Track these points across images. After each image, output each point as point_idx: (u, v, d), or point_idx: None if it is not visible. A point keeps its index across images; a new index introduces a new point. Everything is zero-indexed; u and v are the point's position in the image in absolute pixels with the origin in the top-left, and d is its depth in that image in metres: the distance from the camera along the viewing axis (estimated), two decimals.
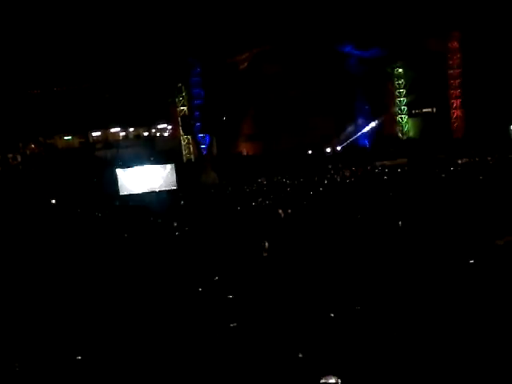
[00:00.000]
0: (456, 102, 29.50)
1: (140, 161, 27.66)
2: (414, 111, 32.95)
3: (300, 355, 4.76)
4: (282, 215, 13.48)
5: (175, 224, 13.22)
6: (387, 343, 4.88)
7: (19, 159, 27.07)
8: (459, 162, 23.64)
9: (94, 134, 30.06)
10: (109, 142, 30.17)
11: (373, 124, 32.13)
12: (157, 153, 29.58)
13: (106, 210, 17.91)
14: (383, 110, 32.45)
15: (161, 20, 22.75)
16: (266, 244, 6.30)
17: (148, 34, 23.13)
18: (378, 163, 27.60)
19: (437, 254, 7.32)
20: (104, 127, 29.91)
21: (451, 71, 29.08)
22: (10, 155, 26.79)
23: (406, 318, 5.34)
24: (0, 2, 20.75)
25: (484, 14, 23.45)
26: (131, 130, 31.30)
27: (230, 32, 24.48)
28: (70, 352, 5.52)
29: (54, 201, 21.01)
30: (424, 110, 32.41)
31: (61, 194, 21.21)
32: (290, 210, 13.62)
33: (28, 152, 27.84)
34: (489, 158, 22.90)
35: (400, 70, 31.91)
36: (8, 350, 5.73)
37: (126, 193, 25.30)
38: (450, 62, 28.97)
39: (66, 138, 29.54)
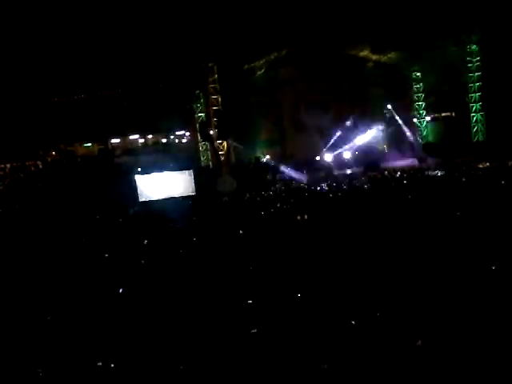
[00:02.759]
0: (476, 106, 29.16)
1: (158, 167, 27.87)
2: (433, 115, 32.74)
3: (324, 366, 4.73)
4: (300, 220, 13.46)
5: (194, 230, 13.27)
6: (410, 352, 4.81)
7: (40, 166, 27.48)
8: (480, 166, 23.31)
9: (114, 140, 30.42)
10: (128, 149, 30.51)
11: (391, 128, 31.89)
12: (175, 159, 29.79)
13: (126, 217, 18.05)
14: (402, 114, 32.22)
15: (178, 26, 22.90)
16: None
17: (166, 41, 23.31)
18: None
19: (459, 259, 7.21)
20: (123, 134, 30.28)
21: (471, 74, 28.78)
22: (32, 162, 27.21)
23: (429, 327, 5.26)
24: (22, 12, 21.08)
25: (503, 16, 23.15)
26: (150, 136, 31.63)
27: (248, 37, 24.58)
28: (91, 358, 5.56)
29: (73, 207, 21.21)
30: (443, 114, 32.15)
31: (80, 200, 21.43)
32: (306, 216, 13.58)
33: (49, 159, 28.25)
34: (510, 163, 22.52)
35: (418, 74, 31.71)
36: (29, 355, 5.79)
37: (144, 199, 25.48)
38: (470, 65, 28.66)
39: (85, 145, 29.96)
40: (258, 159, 30.12)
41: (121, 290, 7.97)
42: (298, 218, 13.79)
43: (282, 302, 6.52)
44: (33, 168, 27.32)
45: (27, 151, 26.99)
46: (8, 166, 26.64)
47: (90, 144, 30.05)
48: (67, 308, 7.24)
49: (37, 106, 25.53)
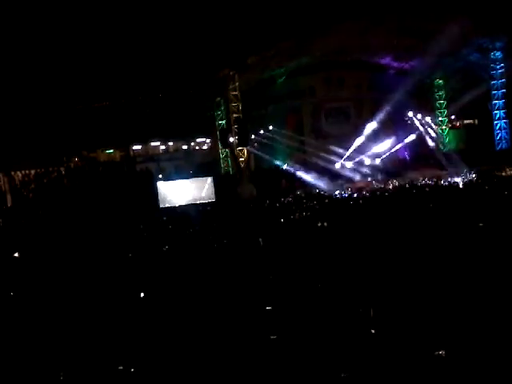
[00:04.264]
0: (499, 113, 28.77)
1: (179, 174, 28.12)
2: (455, 123, 32.42)
3: (343, 375, 4.70)
4: (320, 227, 13.42)
5: (214, 236, 13.32)
6: (428, 361, 4.76)
7: (63, 172, 27.90)
8: (503, 173, 23.00)
9: (135, 147, 30.76)
10: (149, 156, 30.82)
11: (413, 136, 31.66)
12: (196, 166, 30.02)
13: (147, 223, 18.21)
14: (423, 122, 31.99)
15: (200, 34, 23.12)
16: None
17: (188, 49, 23.54)
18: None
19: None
20: (144, 141, 30.60)
21: (494, 82, 28.42)
22: (55, 168, 27.64)
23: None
24: (49, 21, 21.54)
25: None
26: (171, 143, 31.91)
27: (268, 44, 24.74)
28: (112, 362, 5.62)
29: (96, 213, 21.50)
30: (466, 122, 31.80)
31: (102, 207, 21.69)
32: (326, 223, 13.53)
33: (72, 165, 28.68)
34: None
35: (440, 81, 31.44)
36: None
37: (166, 205, 25.71)
38: (493, 73, 28.31)
39: (107, 151, 30.34)
40: (277, 166, 30.18)
41: (142, 295, 8.04)
42: (319, 224, 13.76)
43: (301, 308, 6.51)
44: (56, 174, 27.74)
45: (51, 158, 27.43)
46: (32, 172, 27.10)
47: (112, 150, 30.43)
48: (88, 311, 7.33)
49: (60, 113, 25.97)
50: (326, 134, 31.83)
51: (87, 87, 25.48)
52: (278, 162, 30.80)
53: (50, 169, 27.59)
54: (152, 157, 30.72)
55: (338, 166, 30.95)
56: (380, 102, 30.81)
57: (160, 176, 27.92)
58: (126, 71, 24.69)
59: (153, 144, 31.21)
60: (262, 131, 30.93)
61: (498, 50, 27.81)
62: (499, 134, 28.88)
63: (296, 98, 31.59)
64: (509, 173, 22.96)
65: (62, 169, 28.13)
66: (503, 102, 28.52)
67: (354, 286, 7.07)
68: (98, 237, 15.04)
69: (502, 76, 28.16)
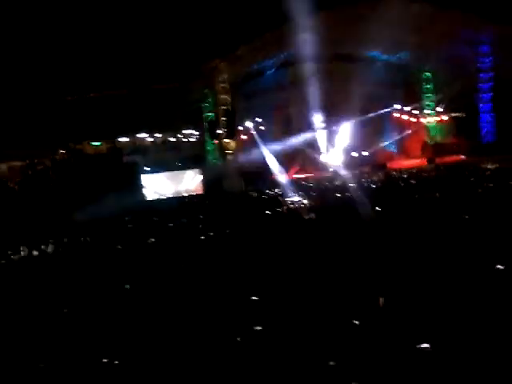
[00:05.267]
0: (486, 107, 28.91)
1: (167, 166, 27.93)
2: (442, 116, 32.51)
3: (331, 363, 4.69)
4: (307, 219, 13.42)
5: (200, 228, 13.27)
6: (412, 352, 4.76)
7: (49, 164, 27.58)
8: (488, 166, 23.14)
9: (122, 139, 30.47)
10: (136, 148, 30.56)
11: (400, 128, 31.81)
12: (183, 158, 29.82)
13: (133, 215, 18.09)
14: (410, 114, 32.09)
15: (187, 25, 22.95)
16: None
17: (175, 40, 23.35)
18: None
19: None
20: (131, 133, 30.32)
21: (481, 75, 28.51)
22: (41, 160, 27.31)
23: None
24: (34, 13, 21.24)
25: None
26: (158, 135, 31.66)
27: (257, 35, 24.63)
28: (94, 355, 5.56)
29: (81, 205, 21.32)
30: (453, 115, 31.91)
31: (88, 199, 21.51)
32: (313, 215, 13.53)
33: (58, 157, 28.35)
34: None
35: (428, 74, 31.50)
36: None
37: (152, 198, 25.56)
38: (481, 66, 28.40)
39: (94, 143, 30.03)
40: (264, 159, 30.08)
41: (127, 286, 8.00)
42: (305, 217, 13.76)
43: (286, 299, 6.50)
44: (42, 166, 27.43)
45: (36, 150, 27.12)
46: (18, 164, 26.77)
47: (98, 142, 30.12)
48: (71, 304, 7.26)
49: (46, 104, 25.66)
50: (314, 127, 31.76)
51: (74, 79, 25.21)
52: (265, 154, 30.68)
53: (36, 161, 27.28)
54: (139, 149, 30.46)
55: (324, 158, 31.00)
56: (368, 94, 30.82)
57: (147, 168, 27.73)
58: (113, 62, 24.46)
59: (140, 136, 30.94)
60: (249, 123, 30.79)
61: (485, 44, 27.89)
62: (485, 128, 29.04)
63: (285, 90, 31.46)
64: (492, 166, 23.12)
65: (47, 161, 27.81)
66: (490, 96, 28.64)
67: (340, 277, 7.07)
68: (84, 229, 14.92)
69: (489, 69, 28.25)
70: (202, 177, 26.55)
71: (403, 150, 33.03)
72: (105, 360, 5.47)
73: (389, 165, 28.72)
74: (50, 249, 12.14)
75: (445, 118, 31.84)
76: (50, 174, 26.62)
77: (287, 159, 30.44)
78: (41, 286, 8.40)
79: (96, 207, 19.59)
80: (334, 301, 6.22)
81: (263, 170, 28.03)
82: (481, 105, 28.93)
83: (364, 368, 4.64)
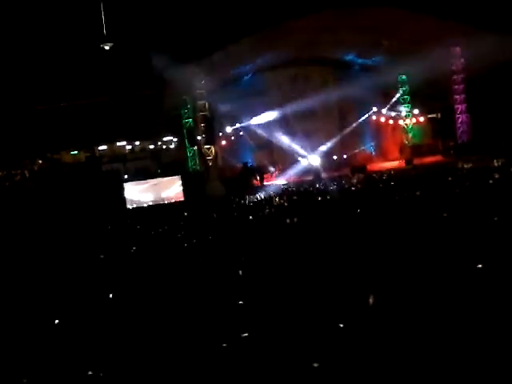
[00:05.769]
0: (461, 107, 29.44)
1: (146, 174, 27.82)
2: (419, 117, 33.01)
3: (315, 364, 4.72)
4: (289, 223, 13.47)
5: (182, 235, 13.24)
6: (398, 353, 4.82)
7: (27, 175, 27.25)
8: (464, 166, 23.60)
9: (101, 147, 30.24)
10: (115, 156, 30.36)
11: (378, 131, 32.21)
12: (163, 165, 29.73)
13: (113, 224, 17.95)
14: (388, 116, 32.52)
15: (165, 32, 22.92)
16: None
17: (153, 47, 23.28)
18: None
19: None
20: (110, 141, 30.11)
21: (455, 76, 29.05)
22: (18, 171, 26.98)
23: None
24: (11, 17, 20.99)
25: (486, 19, 23.42)
26: (137, 143, 31.50)
27: (234, 42, 24.70)
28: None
29: (61, 215, 21.09)
30: (429, 116, 32.42)
31: (68, 209, 21.28)
32: (295, 219, 13.59)
33: (36, 167, 28.02)
34: (495, 164, 22.82)
35: (403, 77, 31.95)
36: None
37: (133, 206, 25.40)
38: (454, 68, 28.92)
39: (72, 152, 29.74)
40: (245, 164, 30.16)
41: (111, 295, 7.93)
42: (288, 221, 13.81)
43: (273, 303, 6.52)
44: (19, 177, 27.08)
45: (13, 160, 26.77)
46: None
47: (76, 152, 29.84)
48: (57, 314, 7.18)
49: (22, 113, 25.36)
50: (293, 130, 31.96)
51: (51, 87, 24.94)
52: (246, 160, 30.80)
53: (13, 171, 26.93)
54: (118, 157, 30.27)
55: (304, 162, 31.18)
56: (346, 97, 31.17)
57: (127, 176, 27.56)
58: (89, 70, 24.27)
59: (119, 144, 30.74)
60: (229, 129, 30.88)
61: (457, 46, 28.40)
62: (460, 128, 29.56)
63: (263, 95, 31.59)
64: (467, 166, 23.59)
65: (25, 171, 27.47)
66: (464, 97, 29.17)
67: (323, 280, 7.13)
68: (64, 239, 14.75)
69: (462, 71, 28.76)
70: (182, 183, 26.48)
71: (382, 152, 33.42)
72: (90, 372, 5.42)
73: (368, 167, 29.02)
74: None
75: (421, 119, 32.32)
76: (28, 184, 26.28)
77: (268, 163, 30.66)
78: (18, 297, 8.29)
79: (76, 217, 19.41)
80: (318, 301, 6.27)
81: (244, 174, 28.13)
82: (456, 106, 29.44)
83: (350, 370, 4.69)
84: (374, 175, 26.14)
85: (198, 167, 29.87)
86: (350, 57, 30.90)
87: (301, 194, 21.66)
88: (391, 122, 32.67)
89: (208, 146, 28.35)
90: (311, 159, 31.16)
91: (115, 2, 21.79)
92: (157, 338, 5.97)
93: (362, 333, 5.33)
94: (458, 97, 29.32)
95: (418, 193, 15.35)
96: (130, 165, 29.77)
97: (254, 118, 31.30)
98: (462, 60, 28.50)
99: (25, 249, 13.60)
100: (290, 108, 31.41)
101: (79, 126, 26.56)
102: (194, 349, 5.57)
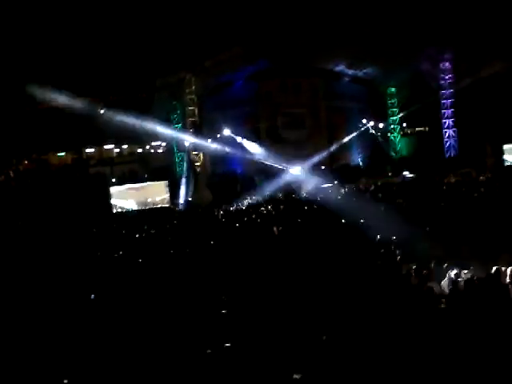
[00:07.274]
0: (448, 122, 29.76)
1: (134, 178, 27.64)
2: (406, 130, 33.33)
3: (296, 376, 4.71)
4: (276, 232, 13.48)
5: (169, 242, 13.16)
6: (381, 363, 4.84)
7: (12, 175, 26.93)
8: (451, 180, 23.84)
9: (88, 150, 29.99)
10: (103, 159, 30.12)
11: (367, 143, 32.36)
12: (151, 170, 29.56)
13: (99, 228, 17.81)
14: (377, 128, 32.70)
15: (156, 37, 22.88)
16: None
17: (144, 52, 23.24)
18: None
19: None
20: (98, 144, 29.87)
21: (443, 91, 29.37)
22: (4, 171, 26.64)
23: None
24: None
25: (476, 34, 23.74)
26: (125, 146, 31.29)
27: (224, 48, 24.76)
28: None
29: (46, 217, 20.86)
30: (417, 129, 32.72)
31: (53, 211, 21.06)
32: (280, 228, 13.60)
33: (21, 168, 27.71)
34: (481, 177, 23.13)
35: (393, 89, 32.24)
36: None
37: (119, 210, 25.21)
38: (442, 82, 29.25)
39: (59, 154, 29.45)
40: (233, 171, 30.12)
41: (92, 296, 7.87)
42: (274, 229, 13.83)
43: (255, 313, 6.50)
44: (4, 178, 26.75)
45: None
46: None
47: (63, 153, 29.56)
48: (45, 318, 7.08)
49: (9, 114, 25.09)
50: (282, 140, 32.00)
51: (39, 88, 24.70)
52: (234, 167, 30.73)
53: None
54: (105, 160, 30.03)
55: (292, 171, 31.10)
56: (335, 108, 31.30)
57: (113, 180, 27.37)
58: (78, 72, 24.12)
59: (106, 147, 30.51)
60: (218, 135, 30.80)
61: (446, 61, 28.76)
62: (448, 142, 29.85)
63: (253, 103, 31.63)
64: (452, 179, 23.85)
65: (10, 172, 27.15)
66: (451, 112, 29.49)
67: (307, 290, 7.13)
68: (48, 242, 14.59)
69: (450, 86, 29.10)
70: (169, 189, 26.37)
71: (370, 163, 33.54)
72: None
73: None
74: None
75: (409, 132, 32.61)
76: (13, 184, 25.99)
77: (255, 172, 30.57)
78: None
79: (61, 220, 19.21)
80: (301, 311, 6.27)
81: (232, 181, 28.08)
82: (443, 120, 29.75)
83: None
84: (361, 187, 26.32)
85: (186, 173, 29.73)
86: (340, 68, 31.06)
87: (288, 202, 21.70)
88: (379, 134, 32.85)
89: (196, 152, 28.29)
90: (300, 169, 30.97)
91: (108, 5, 21.79)
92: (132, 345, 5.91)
93: (342, 345, 5.34)
94: (445, 111, 29.63)
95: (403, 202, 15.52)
96: (117, 168, 29.54)
97: (245, 126, 31.18)
98: (451, 75, 28.84)
99: (6, 251, 13.42)
100: (280, 117, 31.53)
101: (67, 127, 26.30)
102: (177, 356, 5.53)
